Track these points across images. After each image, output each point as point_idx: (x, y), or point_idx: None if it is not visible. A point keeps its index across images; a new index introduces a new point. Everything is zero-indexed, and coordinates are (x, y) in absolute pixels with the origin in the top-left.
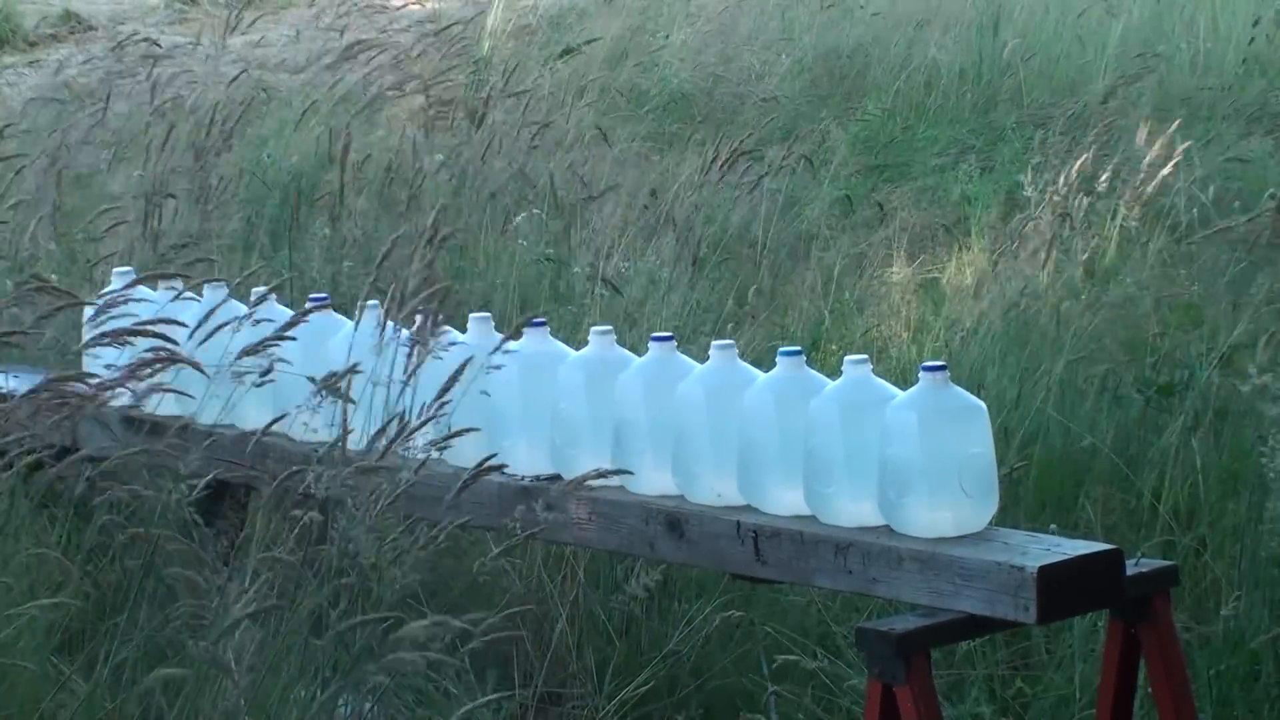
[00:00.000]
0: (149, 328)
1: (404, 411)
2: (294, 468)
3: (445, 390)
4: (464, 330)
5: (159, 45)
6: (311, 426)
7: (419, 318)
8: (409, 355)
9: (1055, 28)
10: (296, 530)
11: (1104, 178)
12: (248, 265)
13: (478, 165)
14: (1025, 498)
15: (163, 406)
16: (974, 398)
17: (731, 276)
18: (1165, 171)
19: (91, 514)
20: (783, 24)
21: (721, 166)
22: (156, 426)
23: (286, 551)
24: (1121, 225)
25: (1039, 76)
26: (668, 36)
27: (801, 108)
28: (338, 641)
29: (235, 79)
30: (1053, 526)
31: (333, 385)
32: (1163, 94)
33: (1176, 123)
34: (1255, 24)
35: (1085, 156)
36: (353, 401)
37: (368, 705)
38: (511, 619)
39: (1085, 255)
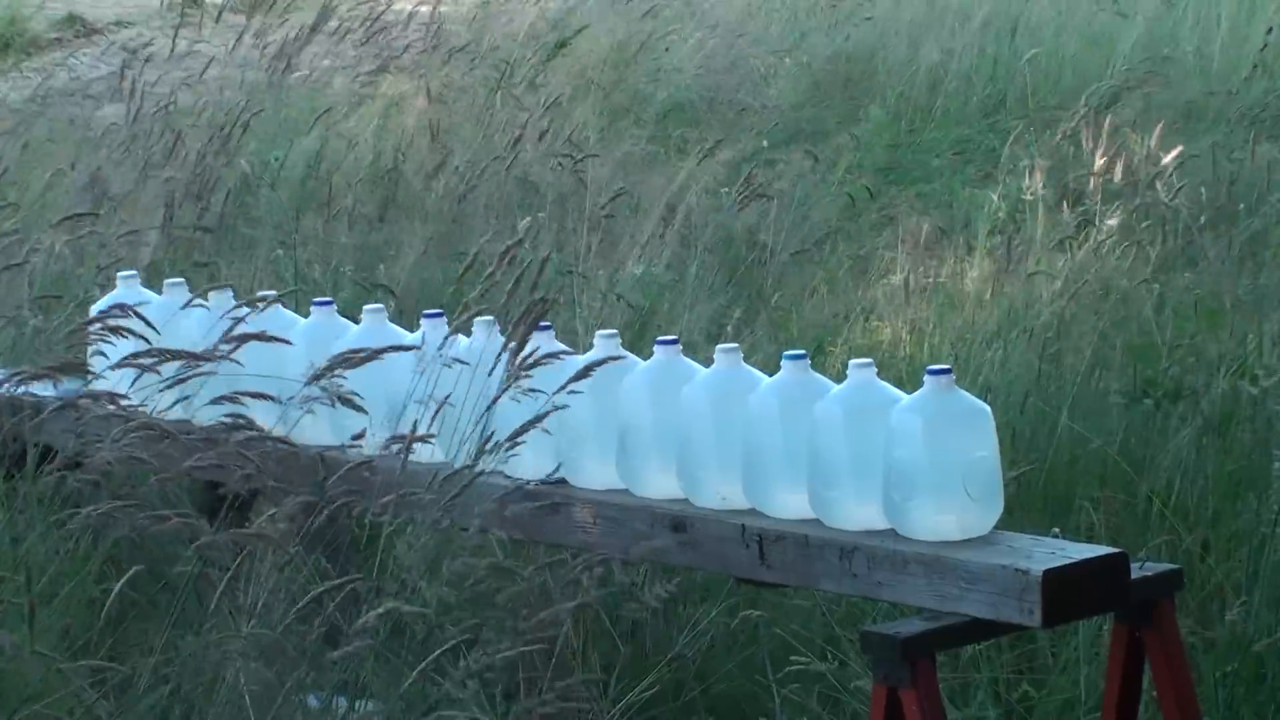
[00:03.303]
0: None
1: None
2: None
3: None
4: None
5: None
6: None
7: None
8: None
9: (1062, 31)
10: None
11: (1109, 180)
12: (252, 270)
13: (479, 169)
14: (1032, 502)
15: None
16: (979, 401)
17: (736, 281)
18: (1171, 174)
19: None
20: (787, 27)
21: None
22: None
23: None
24: (1127, 228)
25: (1045, 80)
26: (667, 50)
27: (807, 111)
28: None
29: (240, 82)
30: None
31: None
32: (1171, 98)
33: (1182, 127)
34: (1269, 32)
35: (1091, 159)
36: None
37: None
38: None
39: (1090, 258)
